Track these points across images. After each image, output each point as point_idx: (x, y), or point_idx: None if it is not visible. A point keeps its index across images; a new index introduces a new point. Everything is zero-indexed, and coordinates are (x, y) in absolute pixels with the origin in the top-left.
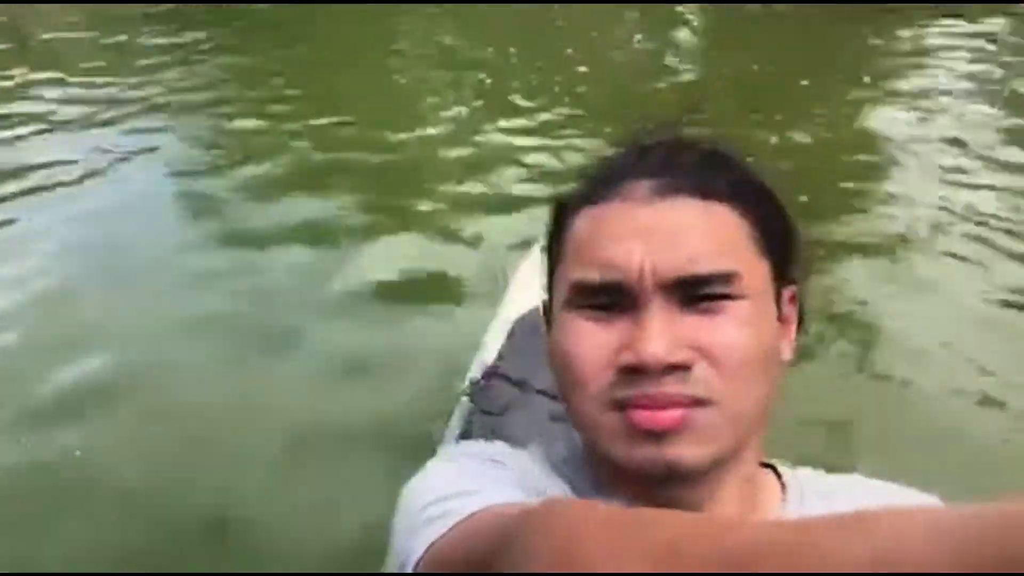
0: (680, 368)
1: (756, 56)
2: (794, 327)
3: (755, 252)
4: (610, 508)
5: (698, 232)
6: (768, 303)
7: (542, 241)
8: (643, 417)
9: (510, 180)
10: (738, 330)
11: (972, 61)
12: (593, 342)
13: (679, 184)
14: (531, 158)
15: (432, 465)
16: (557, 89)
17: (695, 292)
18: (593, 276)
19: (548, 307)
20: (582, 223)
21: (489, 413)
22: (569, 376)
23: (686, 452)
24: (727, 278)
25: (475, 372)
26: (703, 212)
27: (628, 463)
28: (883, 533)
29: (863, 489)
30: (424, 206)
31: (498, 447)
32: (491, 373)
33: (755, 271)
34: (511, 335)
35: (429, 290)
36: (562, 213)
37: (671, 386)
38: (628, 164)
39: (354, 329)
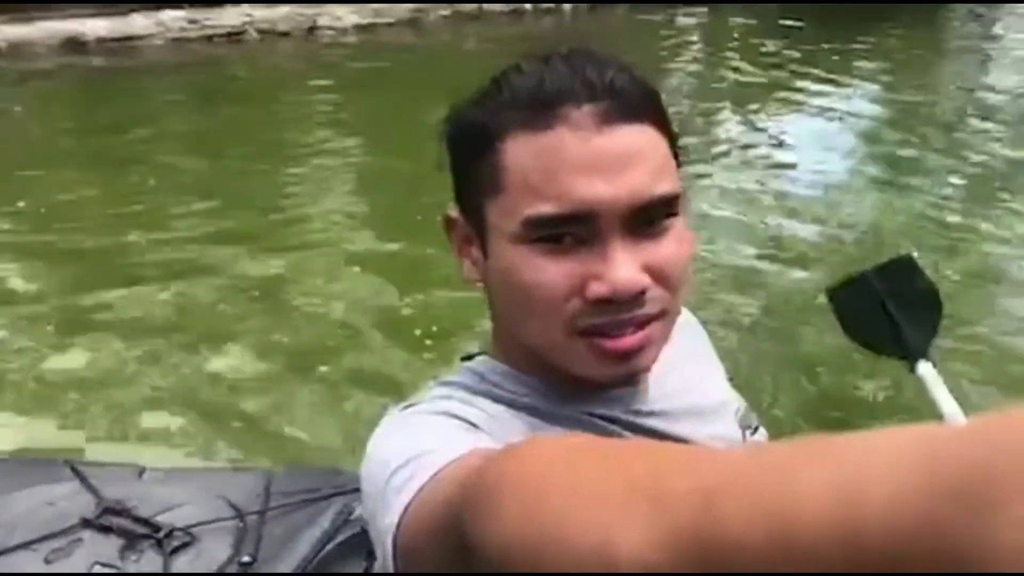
0: (641, 292)
1: None
2: None
3: (675, 166)
4: (578, 443)
5: (645, 158)
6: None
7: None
8: (614, 345)
9: None
10: (679, 246)
11: None
12: (553, 274)
13: (617, 109)
14: None
15: (385, 430)
16: None
17: (647, 217)
18: (553, 210)
19: (475, 234)
20: (524, 152)
21: None
22: (530, 307)
23: (646, 361)
24: (674, 199)
25: None
26: (642, 136)
27: (597, 380)
28: (848, 457)
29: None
30: None
31: (440, 401)
32: None
33: (679, 185)
34: None
35: None
36: (481, 137)
37: (635, 310)
38: (562, 87)
39: None
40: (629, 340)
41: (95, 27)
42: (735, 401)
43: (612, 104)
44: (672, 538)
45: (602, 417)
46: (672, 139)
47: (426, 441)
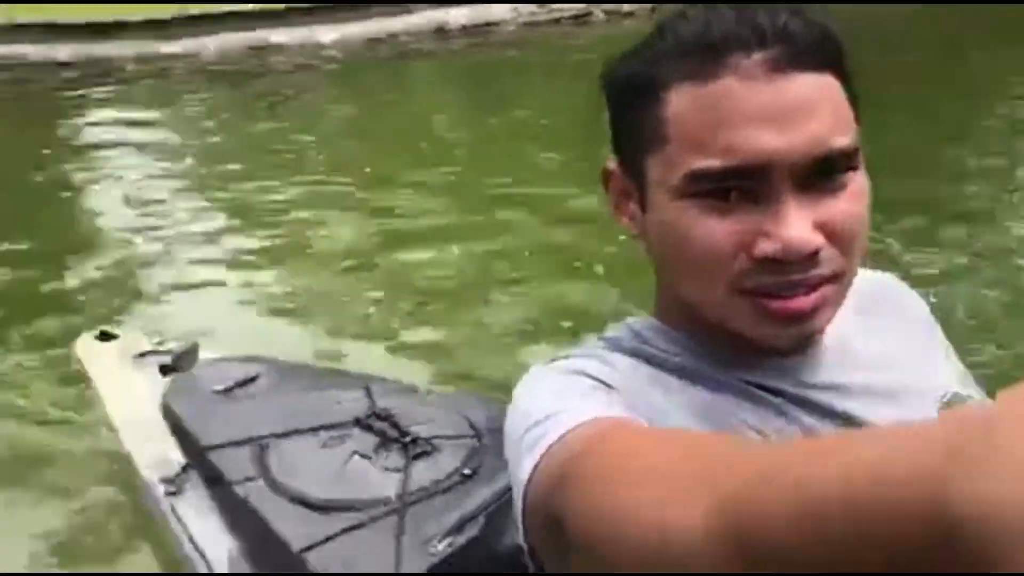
0: (815, 252)
1: None
2: None
3: (853, 117)
4: (656, 433)
5: (820, 109)
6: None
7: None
8: (784, 306)
9: None
10: (857, 204)
11: None
12: (718, 231)
13: (791, 56)
14: None
15: (529, 384)
16: None
17: (822, 172)
18: (718, 164)
19: (634, 187)
20: (688, 103)
21: (250, 479)
22: (692, 265)
23: (818, 324)
24: (851, 153)
25: (165, 470)
26: (817, 85)
27: (765, 342)
28: (856, 453)
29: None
30: None
31: (580, 360)
32: (206, 449)
33: (858, 137)
34: (172, 417)
35: None
36: (643, 88)
37: (807, 271)
38: (729, 33)
39: None
40: (801, 302)
41: (457, 15)
42: (948, 385)
43: (784, 50)
44: (718, 517)
45: (767, 389)
46: (851, 89)
47: (562, 400)
